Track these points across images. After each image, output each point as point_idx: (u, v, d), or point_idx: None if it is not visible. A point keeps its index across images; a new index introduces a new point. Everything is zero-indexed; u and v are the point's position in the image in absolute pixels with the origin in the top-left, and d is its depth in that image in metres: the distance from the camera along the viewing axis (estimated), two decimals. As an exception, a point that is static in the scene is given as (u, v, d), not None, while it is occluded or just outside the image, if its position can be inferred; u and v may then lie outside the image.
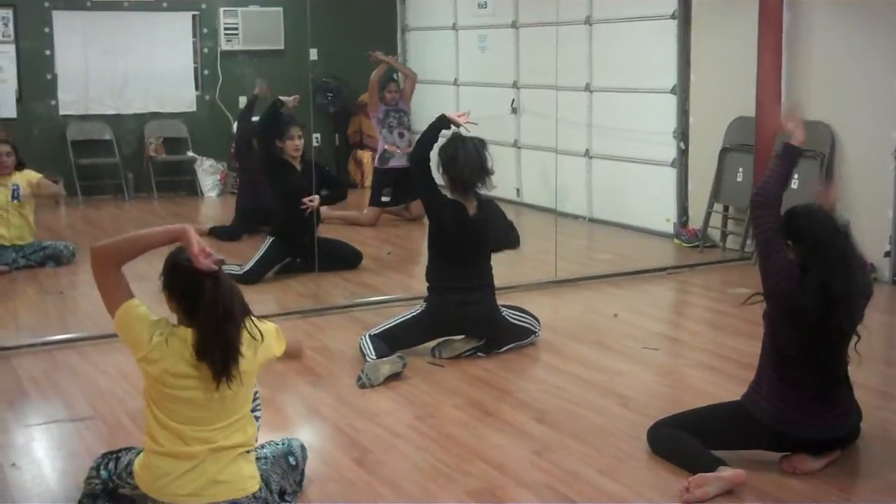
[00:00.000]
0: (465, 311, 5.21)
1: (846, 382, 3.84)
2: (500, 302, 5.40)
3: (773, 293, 3.75)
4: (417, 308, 5.34)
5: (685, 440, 3.83)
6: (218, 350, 3.18)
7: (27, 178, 7.53)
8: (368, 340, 5.12)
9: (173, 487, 3.20)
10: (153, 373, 3.21)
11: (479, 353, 5.25)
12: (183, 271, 3.24)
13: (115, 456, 3.43)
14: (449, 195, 5.28)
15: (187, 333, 3.21)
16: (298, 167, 7.14)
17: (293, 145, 7.10)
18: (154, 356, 3.19)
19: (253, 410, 3.46)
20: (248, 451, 3.33)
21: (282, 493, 3.46)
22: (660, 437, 3.95)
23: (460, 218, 5.21)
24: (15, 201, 7.41)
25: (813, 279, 3.64)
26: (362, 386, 4.80)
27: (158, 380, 3.21)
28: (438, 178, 5.31)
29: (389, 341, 5.14)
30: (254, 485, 3.29)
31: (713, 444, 3.78)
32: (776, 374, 3.78)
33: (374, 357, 4.98)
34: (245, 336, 3.27)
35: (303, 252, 6.89)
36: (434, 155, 5.31)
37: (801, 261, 3.72)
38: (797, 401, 3.74)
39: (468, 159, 5.16)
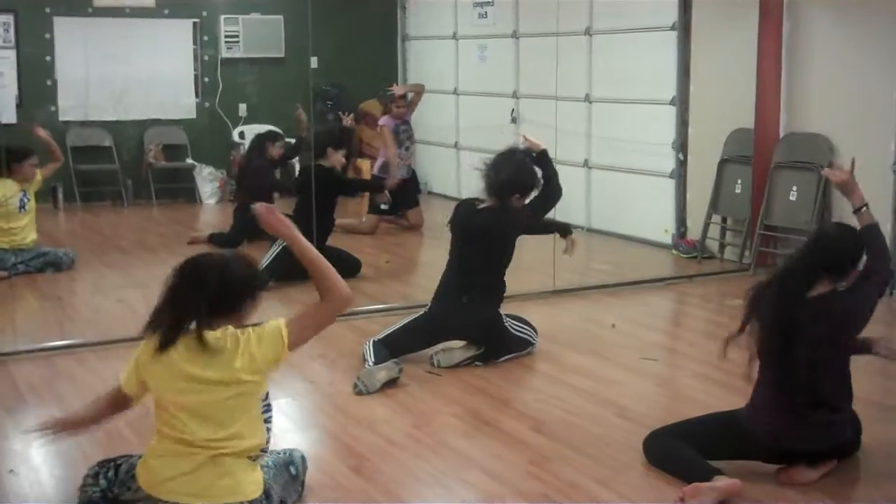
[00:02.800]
0: (466, 315, 5.22)
1: (843, 393, 3.85)
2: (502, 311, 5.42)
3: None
4: (421, 311, 5.37)
5: (681, 449, 3.83)
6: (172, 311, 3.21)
7: (35, 182, 7.66)
8: (371, 346, 5.15)
9: (175, 486, 3.21)
10: (155, 393, 3.26)
11: (476, 363, 5.25)
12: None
13: (113, 464, 3.43)
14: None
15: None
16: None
17: (340, 161, 7.43)
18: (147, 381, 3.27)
19: (265, 422, 3.46)
20: (252, 459, 3.33)
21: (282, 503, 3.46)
22: (656, 447, 3.95)
23: (466, 214, 5.27)
24: (22, 211, 7.50)
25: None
26: (359, 393, 4.81)
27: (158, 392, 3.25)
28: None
29: (392, 346, 5.16)
30: (255, 490, 3.29)
31: (709, 454, 3.79)
32: (770, 388, 3.79)
33: (373, 363, 5.00)
34: (233, 338, 3.23)
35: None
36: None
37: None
38: (790, 412, 3.75)
39: (503, 168, 5.26)
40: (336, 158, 7.49)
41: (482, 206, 5.31)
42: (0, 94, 9.89)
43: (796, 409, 3.74)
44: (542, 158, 5.52)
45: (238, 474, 3.26)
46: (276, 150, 8.76)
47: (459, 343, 5.31)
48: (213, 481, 3.21)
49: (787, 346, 3.73)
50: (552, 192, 5.50)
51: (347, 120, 8.91)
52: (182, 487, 3.20)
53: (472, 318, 5.25)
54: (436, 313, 5.30)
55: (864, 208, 4.03)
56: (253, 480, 3.30)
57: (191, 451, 3.21)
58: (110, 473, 3.39)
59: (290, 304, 6.66)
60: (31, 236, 7.59)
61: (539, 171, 5.44)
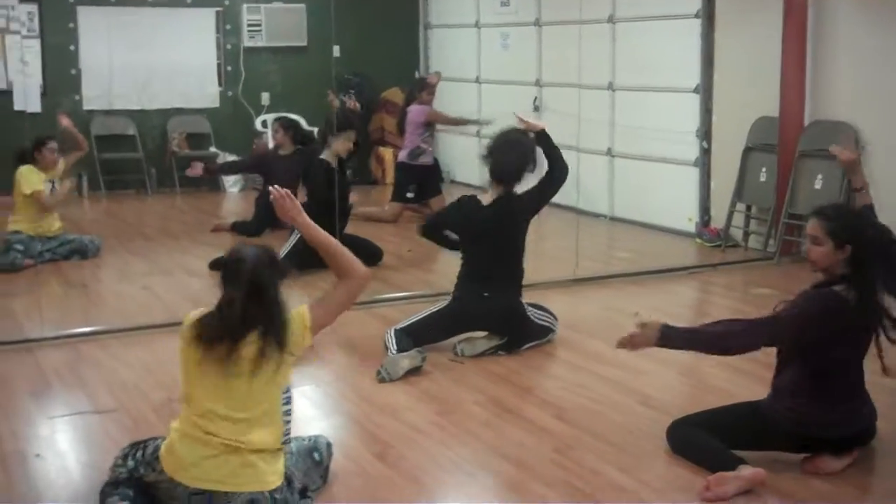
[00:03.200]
0: (488, 305, 5.22)
1: (862, 378, 3.84)
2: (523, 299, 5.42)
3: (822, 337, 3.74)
4: (443, 303, 5.38)
5: (705, 439, 3.82)
6: (227, 330, 3.22)
7: (58, 170, 7.68)
8: (393, 335, 5.16)
9: (198, 472, 3.23)
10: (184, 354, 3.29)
11: (500, 352, 5.26)
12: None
13: (142, 445, 3.46)
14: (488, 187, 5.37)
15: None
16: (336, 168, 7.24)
17: (346, 147, 7.22)
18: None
19: (285, 414, 3.47)
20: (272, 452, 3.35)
21: (303, 491, 3.47)
22: (680, 436, 3.94)
23: (471, 212, 5.28)
24: (52, 195, 7.54)
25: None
26: (381, 380, 4.83)
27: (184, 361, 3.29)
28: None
29: (414, 336, 5.17)
30: (276, 480, 3.31)
31: (732, 444, 3.78)
32: (794, 375, 3.77)
33: (396, 352, 5.01)
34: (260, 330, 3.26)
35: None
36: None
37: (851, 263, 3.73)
38: (814, 399, 3.74)
39: (508, 152, 5.26)
40: (339, 145, 7.34)
41: (486, 200, 5.30)
42: (25, 84, 9.94)
43: (820, 396, 3.73)
44: (543, 138, 5.43)
45: (261, 462, 3.28)
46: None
47: (482, 333, 5.32)
48: (235, 469, 3.23)
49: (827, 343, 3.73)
50: (558, 171, 5.40)
51: (350, 102, 8.88)
52: (206, 473, 3.22)
53: (494, 310, 5.25)
54: (458, 306, 5.31)
55: (864, 189, 4.25)
56: (275, 470, 3.32)
57: (211, 437, 3.23)
58: (138, 454, 3.42)
59: (309, 289, 6.68)
60: (56, 224, 7.65)
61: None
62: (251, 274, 3.22)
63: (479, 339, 5.28)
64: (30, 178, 7.42)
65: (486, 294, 5.24)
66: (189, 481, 3.23)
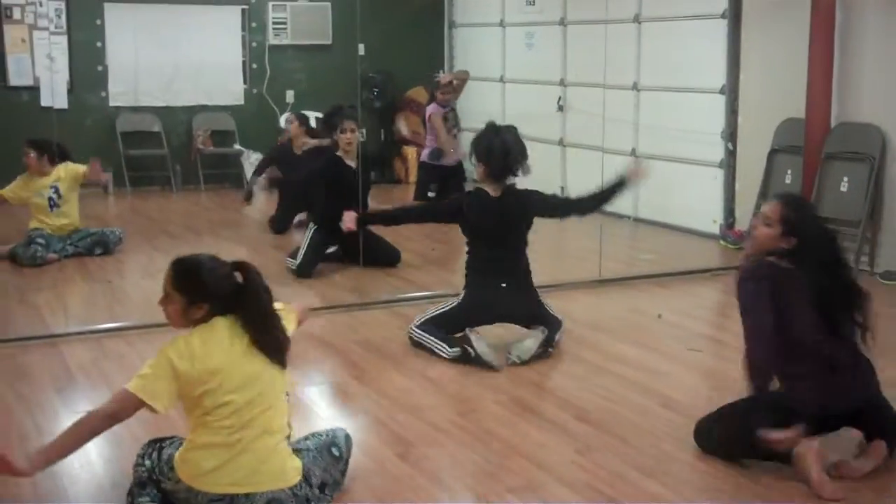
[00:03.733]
0: (510, 299, 5.23)
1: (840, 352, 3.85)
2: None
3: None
4: (454, 300, 5.38)
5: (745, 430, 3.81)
6: (272, 337, 3.30)
7: (72, 173, 7.59)
8: (423, 332, 5.21)
9: (215, 478, 3.23)
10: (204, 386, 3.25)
11: (549, 349, 5.21)
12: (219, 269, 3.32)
13: (158, 445, 3.46)
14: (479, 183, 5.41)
15: (217, 324, 3.28)
16: (349, 161, 7.18)
17: (346, 139, 7.16)
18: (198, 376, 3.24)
19: None
20: (287, 440, 3.37)
21: (322, 486, 3.48)
22: (718, 434, 3.90)
23: (483, 206, 5.29)
24: (54, 210, 7.51)
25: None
26: (512, 363, 4.97)
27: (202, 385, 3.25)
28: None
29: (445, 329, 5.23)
30: (295, 476, 3.32)
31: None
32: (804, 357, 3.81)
33: (444, 345, 5.09)
34: None
35: (344, 240, 6.88)
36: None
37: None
38: (826, 372, 3.78)
39: (508, 146, 5.27)
40: (339, 138, 7.20)
41: (494, 193, 5.32)
42: (52, 80, 10.00)
43: (834, 367, 3.77)
44: (620, 186, 5.56)
45: (278, 460, 3.30)
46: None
47: (522, 333, 5.28)
48: (254, 468, 3.24)
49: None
50: (586, 210, 5.54)
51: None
52: (224, 478, 3.23)
53: (516, 301, 5.26)
54: (479, 297, 5.29)
55: None
56: (293, 466, 3.33)
57: (229, 439, 3.23)
58: (154, 455, 3.42)
59: (332, 288, 6.71)
60: (67, 224, 7.59)
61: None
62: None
63: (525, 341, 5.17)
64: (14, 188, 7.52)
65: (503, 285, 5.24)
66: (207, 487, 3.24)
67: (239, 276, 3.32)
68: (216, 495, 3.23)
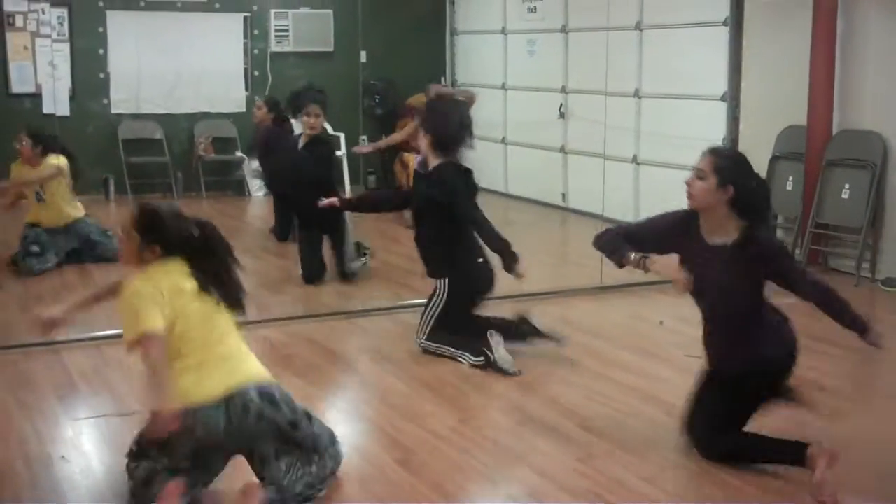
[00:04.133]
0: (490, 270, 5.29)
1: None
2: (532, 305, 5.44)
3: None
4: (442, 293, 5.31)
5: (756, 439, 3.82)
6: (227, 288, 3.59)
7: (56, 163, 7.45)
8: (438, 343, 5.22)
9: (207, 389, 3.39)
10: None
11: (550, 337, 5.26)
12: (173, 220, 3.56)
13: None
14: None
15: (170, 262, 3.53)
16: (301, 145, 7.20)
17: (308, 122, 7.14)
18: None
19: None
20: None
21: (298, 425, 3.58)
22: (724, 449, 3.89)
23: (461, 180, 5.44)
24: (40, 202, 7.50)
25: None
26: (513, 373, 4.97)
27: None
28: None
29: (451, 329, 5.23)
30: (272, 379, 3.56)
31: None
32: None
33: (468, 354, 5.09)
34: None
35: (321, 221, 6.86)
36: None
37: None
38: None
39: (454, 120, 5.43)
40: (303, 121, 7.22)
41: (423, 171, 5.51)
42: (54, 87, 10.02)
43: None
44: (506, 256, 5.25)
45: (251, 361, 3.55)
46: None
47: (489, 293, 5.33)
48: (235, 366, 3.46)
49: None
50: (481, 232, 5.32)
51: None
52: (212, 388, 3.38)
53: (492, 271, 5.30)
54: (477, 277, 5.29)
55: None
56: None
57: (215, 351, 3.46)
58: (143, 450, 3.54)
59: (332, 295, 6.70)
60: (61, 215, 7.54)
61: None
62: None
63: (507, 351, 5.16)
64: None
65: (480, 261, 5.30)
66: (205, 399, 3.36)
67: (196, 230, 3.54)
68: (213, 407, 3.34)
